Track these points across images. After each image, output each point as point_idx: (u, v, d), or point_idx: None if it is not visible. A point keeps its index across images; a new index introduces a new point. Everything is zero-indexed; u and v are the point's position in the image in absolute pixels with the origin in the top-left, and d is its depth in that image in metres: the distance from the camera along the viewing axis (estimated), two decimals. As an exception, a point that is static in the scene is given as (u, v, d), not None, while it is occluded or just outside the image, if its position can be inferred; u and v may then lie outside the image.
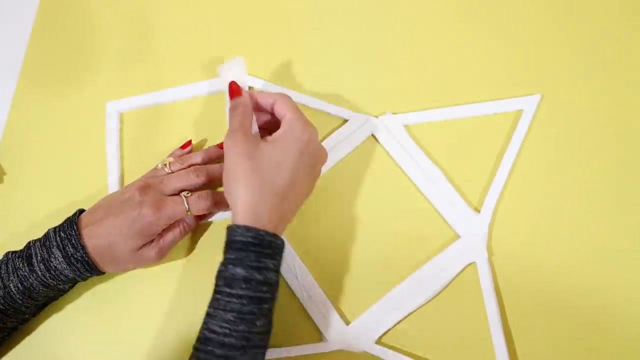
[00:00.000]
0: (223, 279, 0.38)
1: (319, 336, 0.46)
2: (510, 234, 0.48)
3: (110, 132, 0.54)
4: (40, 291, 0.43)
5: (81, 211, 0.46)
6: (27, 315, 0.46)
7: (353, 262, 0.48)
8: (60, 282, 0.43)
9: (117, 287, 0.49)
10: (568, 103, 0.51)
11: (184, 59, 0.56)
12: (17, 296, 0.42)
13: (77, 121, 0.55)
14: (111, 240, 0.43)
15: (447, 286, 0.46)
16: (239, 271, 0.38)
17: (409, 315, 0.46)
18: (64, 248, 0.42)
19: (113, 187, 0.52)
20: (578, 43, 0.53)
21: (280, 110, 0.43)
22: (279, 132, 0.42)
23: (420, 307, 0.46)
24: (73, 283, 0.46)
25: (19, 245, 0.44)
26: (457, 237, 0.48)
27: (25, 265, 0.43)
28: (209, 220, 0.50)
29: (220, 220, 0.50)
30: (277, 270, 0.40)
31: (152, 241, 0.45)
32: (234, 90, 0.46)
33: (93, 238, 0.43)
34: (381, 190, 0.50)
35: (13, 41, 0.60)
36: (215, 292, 0.39)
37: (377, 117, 0.52)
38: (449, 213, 0.48)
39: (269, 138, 0.42)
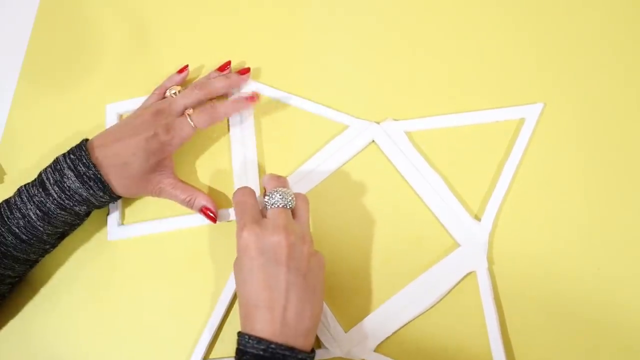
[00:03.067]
0: None
1: (317, 343, 0.46)
2: (510, 243, 0.47)
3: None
4: (58, 215, 0.44)
5: (86, 140, 0.46)
6: (47, 246, 0.46)
7: (352, 269, 0.48)
8: (76, 203, 0.44)
9: (117, 286, 0.49)
10: (570, 112, 0.51)
11: (184, 60, 0.55)
12: (38, 223, 0.43)
13: (77, 121, 0.55)
14: (124, 160, 0.45)
15: (446, 295, 0.46)
16: None
17: (407, 323, 0.46)
18: (75, 168, 0.44)
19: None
20: (582, 52, 0.53)
21: None
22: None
23: (420, 315, 0.46)
24: (88, 205, 0.46)
25: None
26: (457, 245, 0.47)
27: (40, 190, 0.44)
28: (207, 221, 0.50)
29: (224, 223, 0.50)
30: None
31: (166, 170, 0.48)
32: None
33: (105, 157, 0.44)
34: (381, 197, 0.50)
35: (13, 41, 0.59)
36: None
37: (378, 123, 0.51)
38: (450, 221, 0.48)
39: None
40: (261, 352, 0.36)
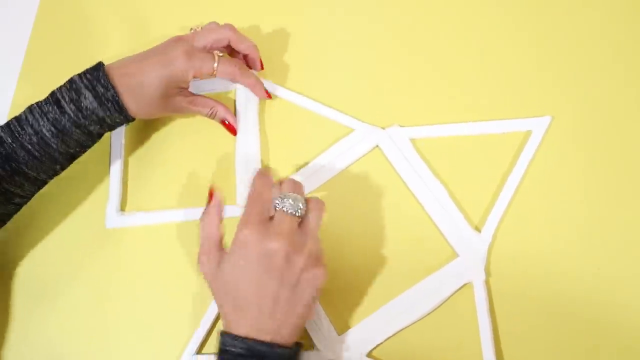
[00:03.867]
0: None
1: (310, 344, 0.46)
2: (509, 256, 0.47)
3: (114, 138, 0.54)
4: (73, 133, 0.44)
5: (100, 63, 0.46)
6: (57, 166, 0.46)
7: (349, 273, 0.48)
8: (91, 122, 0.45)
9: (117, 287, 0.50)
10: (578, 127, 0.50)
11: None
12: (52, 140, 0.44)
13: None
14: (141, 80, 0.45)
15: (441, 304, 0.46)
16: None
17: (401, 330, 0.46)
18: (93, 88, 0.44)
19: (115, 185, 0.52)
20: (592, 67, 0.52)
21: None
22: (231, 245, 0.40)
23: (414, 323, 0.46)
24: (102, 125, 0.46)
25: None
26: (456, 255, 0.47)
27: (55, 108, 0.44)
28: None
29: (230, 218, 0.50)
30: None
31: (181, 93, 0.48)
32: (210, 196, 0.43)
33: (123, 77, 0.45)
34: (383, 203, 0.50)
35: (13, 41, 0.60)
36: None
37: (384, 128, 0.51)
38: (449, 231, 0.48)
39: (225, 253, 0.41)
40: (240, 350, 0.36)
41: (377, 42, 0.56)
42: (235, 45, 0.50)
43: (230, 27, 0.50)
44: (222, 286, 0.39)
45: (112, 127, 0.48)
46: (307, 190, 0.50)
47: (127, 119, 0.47)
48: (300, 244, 0.39)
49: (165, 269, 0.50)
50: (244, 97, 0.53)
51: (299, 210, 0.41)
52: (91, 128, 0.45)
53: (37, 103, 0.45)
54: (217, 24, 0.51)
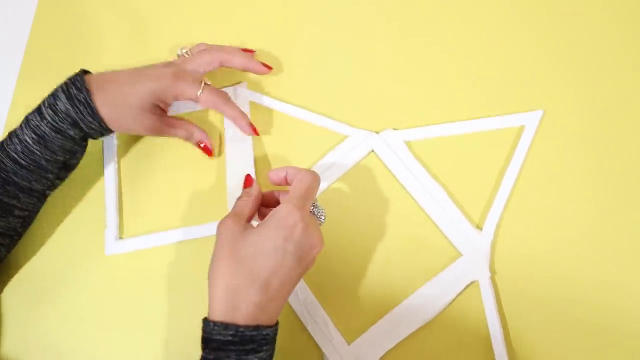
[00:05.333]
0: None
1: (320, 356, 0.46)
2: (513, 251, 0.47)
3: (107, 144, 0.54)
4: (54, 138, 0.45)
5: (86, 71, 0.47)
6: (50, 175, 0.46)
7: (354, 281, 0.48)
8: (68, 126, 0.45)
9: (118, 287, 0.49)
10: (570, 119, 0.51)
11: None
12: (35, 147, 0.44)
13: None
14: (120, 88, 0.45)
15: (449, 305, 0.46)
16: None
17: (410, 334, 0.45)
18: (67, 90, 0.44)
19: (111, 185, 0.52)
20: (580, 59, 0.53)
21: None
22: (266, 217, 0.39)
23: (422, 326, 0.46)
24: (80, 129, 0.45)
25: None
26: (459, 255, 0.47)
27: (36, 115, 0.45)
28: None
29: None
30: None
31: (158, 114, 0.48)
32: (247, 181, 0.46)
33: (103, 83, 0.45)
34: (382, 207, 0.50)
35: (12, 41, 0.60)
36: None
37: (377, 133, 0.51)
38: (451, 230, 0.48)
39: (257, 224, 0.40)
40: (230, 338, 0.36)
41: (365, 47, 0.56)
42: (228, 64, 0.50)
43: (219, 49, 0.50)
44: (239, 255, 0.38)
45: (90, 134, 0.47)
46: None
47: (102, 127, 0.46)
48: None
49: (163, 287, 0.49)
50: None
51: (323, 220, 0.43)
52: (71, 132, 0.45)
53: (27, 114, 0.46)
54: (207, 45, 0.51)
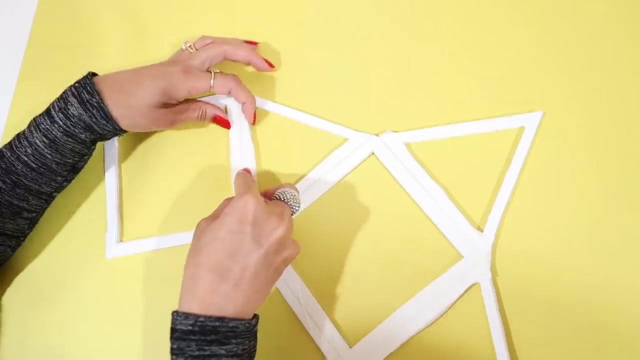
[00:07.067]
0: None
1: (322, 359, 0.46)
2: (514, 253, 0.47)
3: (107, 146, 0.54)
4: (66, 142, 0.45)
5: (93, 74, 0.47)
6: (59, 178, 0.47)
7: (355, 283, 0.48)
8: (80, 130, 0.45)
9: (118, 290, 0.49)
10: (570, 120, 0.51)
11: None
12: (46, 151, 0.44)
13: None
14: (131, 89, 0.45)
15: (450, 307, 0.46)
16: None
17: (412, 337, 0.45)
18: (79, 95, 0.44)
19: (111, 189, 0.52)
20: (580, 60, 0.53)
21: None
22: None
23: (424, 329, 0.46)
24: (92, 132, 0.46)
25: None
26: (460, 257, 0.47)
27: (46, 119, 0.44)
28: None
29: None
30: (235, 355, 0.37)
31: (169, 107, 0.48)
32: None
33: (113, 85, 0.45)
34: (382, 210, 0.49)
35: (12, 41, 0.59)
36: None
37: (377, 135, 0.51)
38: (452, 233, 0.48)
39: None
40: (190, 327, 0.36)
41: (364, 49, 0.56)
42: (232, 57, 0.50)
43: (222, 41, 0.51)
44: (204, 243, 0.39)
45: (103, 136, 0.47)
46: (305, 204, 0.50)
47: (115, 128, 0.46)
48: (291, 231, 0.41)
49: (162, 291, 0.49)
50: (237, 115, 0.53)
51: (296, 206, 0.44)
52: (82, 136, 0.45)
53: (35, 117, 0.46)
54: (210, 38, 0.51)
